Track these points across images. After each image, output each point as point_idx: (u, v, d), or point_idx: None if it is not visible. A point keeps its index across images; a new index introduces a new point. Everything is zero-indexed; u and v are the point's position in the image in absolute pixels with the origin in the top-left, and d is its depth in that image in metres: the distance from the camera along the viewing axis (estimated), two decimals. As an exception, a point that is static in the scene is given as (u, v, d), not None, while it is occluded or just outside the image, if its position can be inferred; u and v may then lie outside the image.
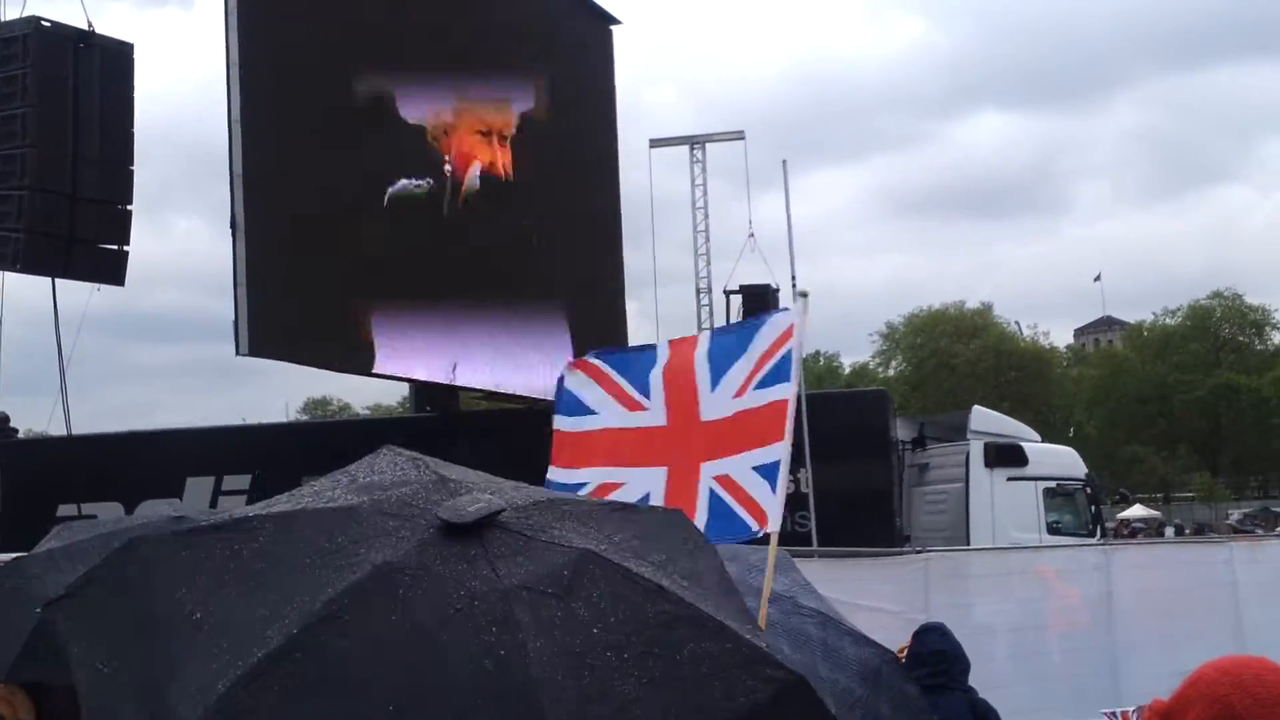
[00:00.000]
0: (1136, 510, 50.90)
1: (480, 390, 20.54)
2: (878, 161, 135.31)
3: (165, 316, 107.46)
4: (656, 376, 5.02)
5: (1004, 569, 13.66)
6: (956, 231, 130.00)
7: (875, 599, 11.06)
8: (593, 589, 2.12)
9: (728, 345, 5.02)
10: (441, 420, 19.16)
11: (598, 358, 5.22)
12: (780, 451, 4.76)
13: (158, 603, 2.11)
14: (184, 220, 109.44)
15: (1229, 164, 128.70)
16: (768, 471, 4.78)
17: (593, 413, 5.06)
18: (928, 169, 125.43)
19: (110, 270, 15.37)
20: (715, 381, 4.93)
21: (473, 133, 19.34)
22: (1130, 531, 44.14)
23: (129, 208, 15.26)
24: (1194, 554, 17.35)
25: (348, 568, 2.08)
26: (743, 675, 2.09)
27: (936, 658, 6.01)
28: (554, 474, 5.01)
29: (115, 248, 15.26)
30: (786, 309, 5.08)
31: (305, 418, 72.56)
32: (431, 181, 18.37)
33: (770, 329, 4.95)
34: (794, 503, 17.23)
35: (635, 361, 5.14)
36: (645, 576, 2.19)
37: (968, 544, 17.55)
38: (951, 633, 6.30)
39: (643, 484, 4.87)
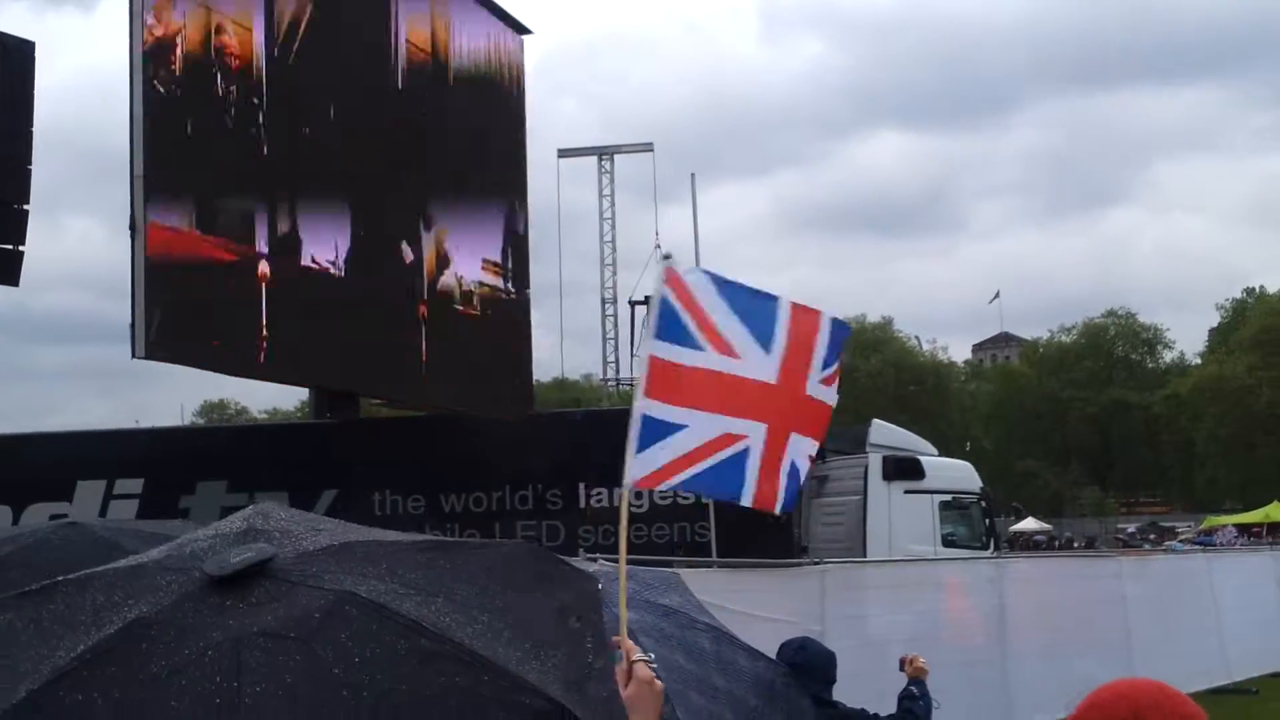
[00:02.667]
0: (1029, 524, 51.89)
1: (381, 398, 20.34)
2: (779, 178, 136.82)
3: (59, 318, 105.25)
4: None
5: (899, 581, 13.85)
6: (856, 248, 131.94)
7: (773, 609, 11.15)
8: (343, 629, 2.14)
9: (754, 309, 4.61)
10: (340, 426, 18.93)
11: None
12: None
13: None
14: (78, 221, 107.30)
15: (1122, 186, 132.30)
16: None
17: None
18: (828, 186, 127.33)
19: (5, 271, 14.95)
20: (764, 345, 4.57)
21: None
22: (1032, 545, 44.92)
23: (25, 207, 14.91)
24: (1084, 568, 17.77)
25: (107, 624, 2.16)
26: (496, 707, 2.11)
27: (792, 671, 6.03)
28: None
29: (10, 248, 14.88)
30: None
31: (201, 421, 71.42)
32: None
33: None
34: (694, 513, 17.34)
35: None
36: (403, 614, 2.20)
37: (864, 556, 17.74)
38: (813, 646, 6.36)
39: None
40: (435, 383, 19.02)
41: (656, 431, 4.17)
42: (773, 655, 5.81)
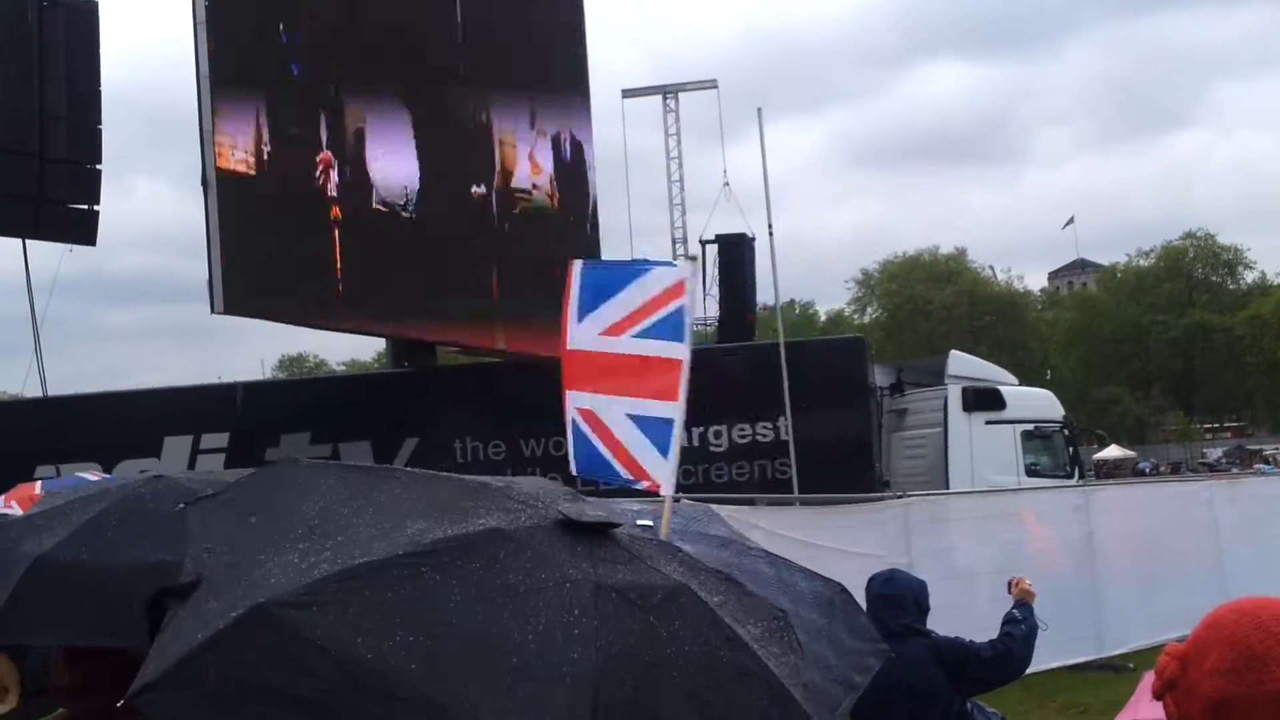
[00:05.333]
0: (1112, 451, 51.28)
1: (457, 345, 20.44)
2: (836, 113, 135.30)
3: (134, 278, 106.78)
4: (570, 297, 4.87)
5: (983, 512, 13.73)
6: (919, 180, 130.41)
7: (858, 544, 11.12)
8: (678, 617, 2.31)
9: (600, 282, 4.82)
10: (418, 375, 19.05)
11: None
12: (674, 411, 4.66)
13: (280, 510, 2.39)
14: (146, 183, 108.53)
15: (1186, 108, 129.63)
16: (653, 428, 4.65)
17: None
18: (885, 119, 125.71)
19: (81, 230, 15.21)
20: (583, 314, 4.78)
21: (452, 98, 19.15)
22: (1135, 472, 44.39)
23: (98, 167, 15.09)
24: (1174, 493, 17.49)
25: (463, 522, 2.34)
26: None
27: (880, 603, 5.95)
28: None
29: (85, 207, 15.11)
30: (674, 264, 4.88)
31: (281, 375, 72.33)
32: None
33: (656, 279, 4.79)
34: (774, 450, 17.29)
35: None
36: (729, 625, 2.37)
37: (946, 488, 17.62)
38: (901, 576, 6.31)
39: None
40: (508, 325, 19.08)
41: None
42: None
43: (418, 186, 17.68)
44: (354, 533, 2.29)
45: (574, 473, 4.61)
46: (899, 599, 6.02)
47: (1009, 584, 6.69)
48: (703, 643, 2.29)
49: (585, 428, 4.69)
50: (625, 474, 4.59)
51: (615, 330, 4.73)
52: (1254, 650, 2.23)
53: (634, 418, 4.65)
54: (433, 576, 2.20)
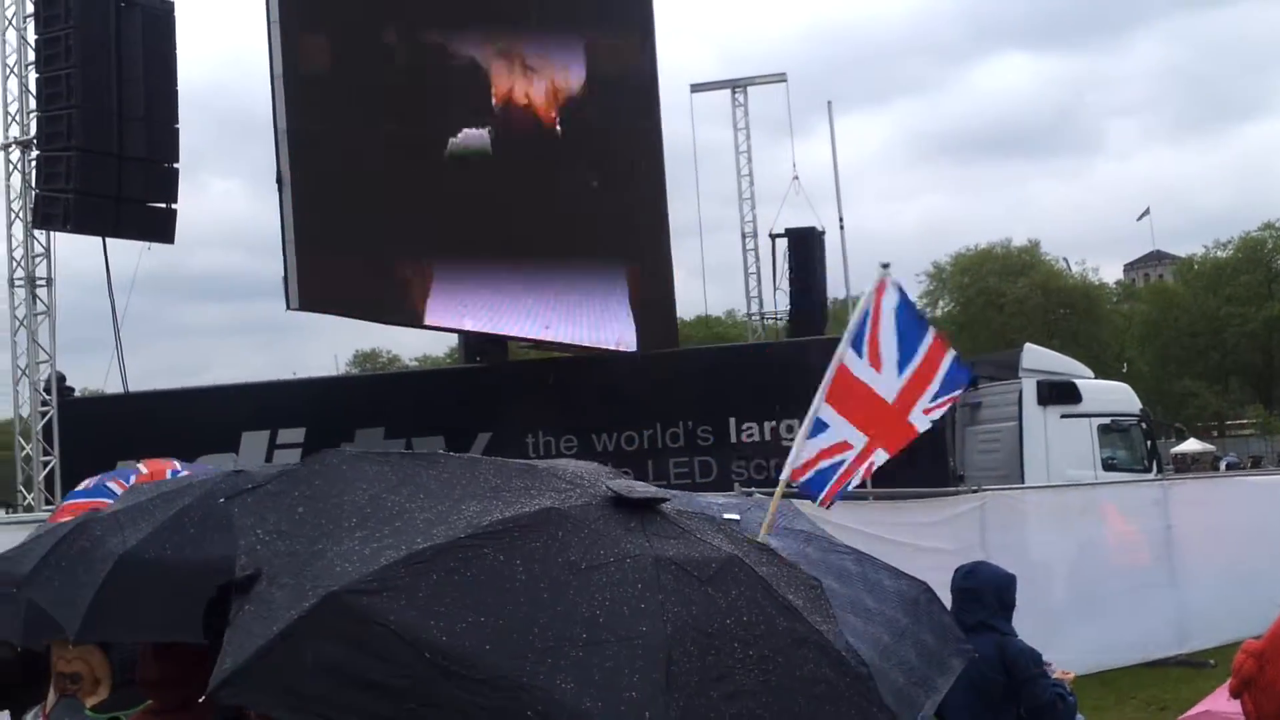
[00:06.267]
0: (1191, 445, 50.46)
1: (529, 340, 20.54)
2: (904, 106, 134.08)
3: (209, 276, 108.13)
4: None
5: (1061, 507, 13.56)
6: (987, 172, 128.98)
7: (933, 539, 11.03)
8: (733, 587, 2.39)
9: (905, 329, 4.75)
10: (491, 370, 19.17)
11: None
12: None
13: (328, 500, 2.42)
14: (220, 182, 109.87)
15: (1257, 98, 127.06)
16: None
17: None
18: (954, 112, 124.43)
19: (160, 228, 15.43)
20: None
21: (521, 82, 19.21)
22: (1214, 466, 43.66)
23: (175, 166, 15.30)
24: (1255, 487, 17.17)
25: (517, 503, 2.40)
26: (853, 710, 2.34)
27: (962, 595, 5.93)
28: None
29: (164, 206, 15.32)
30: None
31: (355, 370, 72.99)
32: (481, 133, 18.30)
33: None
34: (847, 445, 17.18)
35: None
36: (782, 594, 2.46)
37: (1022, 482, 17.44)
38: (985, 570, 6.18)
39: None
40: (579, 322, 19.14)
41: (817, 429, 4.47)
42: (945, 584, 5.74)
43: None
44: (410, 518, 2.33)
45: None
46: (979, 592, 5.96)
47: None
48: (759, 611, 2.36)
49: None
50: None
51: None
52: None
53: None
54: (496, 557, 2.24)
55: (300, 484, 2.52)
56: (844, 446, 4.54)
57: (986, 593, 5.98)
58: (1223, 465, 47.10)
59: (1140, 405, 20.09)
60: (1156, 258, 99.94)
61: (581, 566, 2.27)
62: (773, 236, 27.51)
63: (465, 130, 18.12)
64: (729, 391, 18.07)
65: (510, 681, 2.09)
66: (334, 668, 2.11)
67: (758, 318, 28.40)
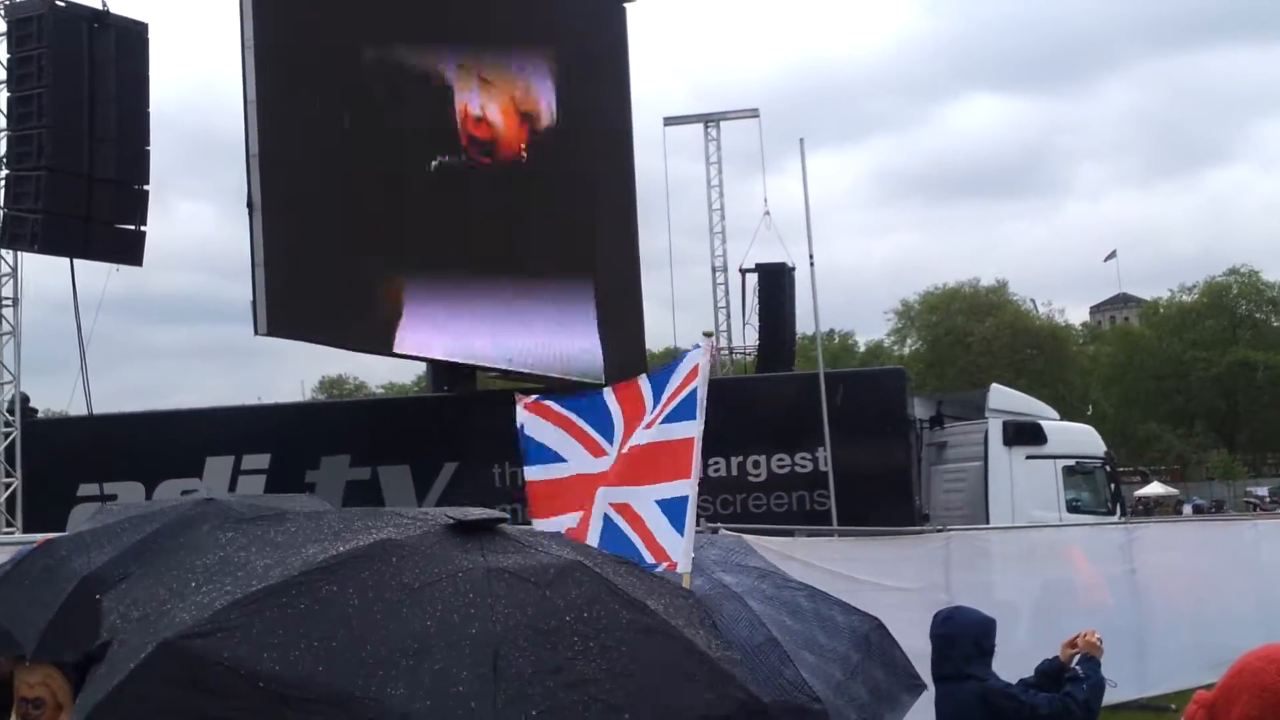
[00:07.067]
0: (1154, 488, 50.81)
1: (497, 369, 20.52)
2: (875, 145, 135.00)
3: (176, 298, 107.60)
4: (618, 422, 4.99)
5: (1025, 548, 13.62)
6: (957, 212, 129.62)
7: (897, 578, 11.02)
8: (574, 589, 2.49)
9: (658, 385, 4.99)
10: (458, 400, 19.13)
11: (554, 401, 5.13)
12: (687, 489, 4.73)
13: (184, 567, 2.53)
14: (188, 204, 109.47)
15: (1225, 144, 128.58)
16: (672, 508, 4.73)
17: (563, 460, 5.00)
18: (925, 151, 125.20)
19: (128, 250, 15.33)
20: (650, 410, 4.94)
21: (491, 106, 19.27)
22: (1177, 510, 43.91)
23: (145, 188, 15.22)
24: (1218, 532, 17.27)
25: (354, 540, 2.52)
26: (704, 689, 2.42)
27: (938, 643, 5.89)
28: (540, 524, 4.88)
29: (132, 228, 15.23)
30: (698, 346, 5.00)
31: (321, 397, 72.71)
32: (451, 157, 18.34)
33: (683, 367, 4.96)
34: (813, 481, 17.23)
35: (592, 405, 5.08)
36: (628, 592, 2.55)
37: (986, 522, 17.52)
38: (961, 615, 6.08)
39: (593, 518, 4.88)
40: (547, 351, 19.14)
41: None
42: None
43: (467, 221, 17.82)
44: (251, 568, 2.44)
45: None
46: (956, 639, 5.88)
47: (1076, 639, 6.19)
48: (601, 607, 2.46)
49: (620, 521, 4.76)
50: (650, 559, 4.65)
51: (651, 424, 4.87)
52: None
53: (660, 503, 4.74)
54: (329, 588, 2.36)
55: (160, 560, 2.69)
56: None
57: (964, 639, 5.89)
58: (1187, 509, 47.46)
59: (1105, 448, 20.22)
60: (1123, 300, 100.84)
61: (415, 586, 2.39)
62: (743, 271, 27.68)
63: (438, 156, 18.15)
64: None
65: (344, 697, 2.22)
66: (172, 709, 2.25)
67: (726, 352, 28.48)
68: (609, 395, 5.10)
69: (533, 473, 5.06)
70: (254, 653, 2.23)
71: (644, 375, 5.09)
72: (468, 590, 2.40)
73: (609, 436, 5.00)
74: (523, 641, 2.34)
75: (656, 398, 4.94)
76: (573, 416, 5.06)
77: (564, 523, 4.88)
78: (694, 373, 4.93)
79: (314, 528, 2.61)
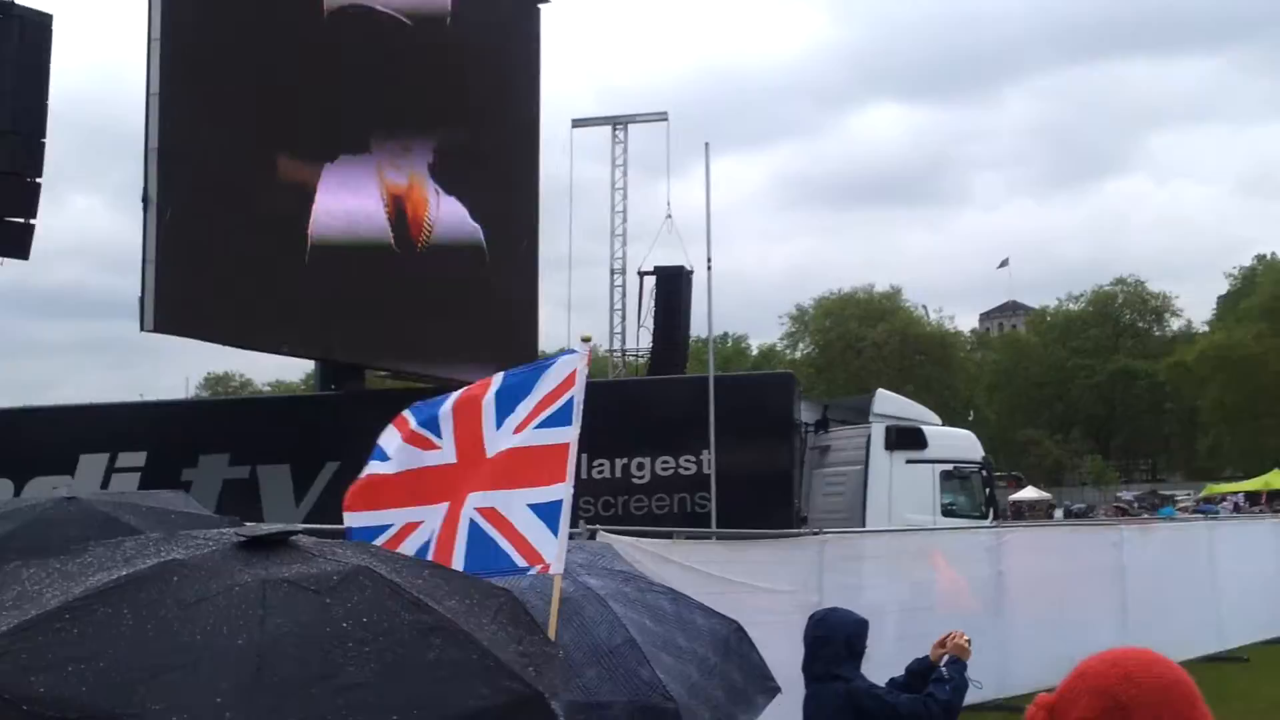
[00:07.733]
0: (1028, 492, 51.86)
1: (387, 369, 20.43)
2: (781, 150, 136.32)
3: (63, 292, 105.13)
4: (445, 414, 5.05)
5: (897, 550, 13.85)
6: (857, 218, 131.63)
7: (771, 580, 11.17)
8: (355, 594, 2.57)
9: (516, 385, 5.05)
10: (344, 398, 18.98)
11: (408, 410, 5.19)
12: (562, 492, 4.82)
13: None
14: (81, 197, 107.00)
15: (1121, 156, 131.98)
16: (546, 511, 4.80)
17: (388, 459, 5.04)
18: (829, 158, 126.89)
19: (15, 244, 14.94)
20: (500, 420, 4.98)
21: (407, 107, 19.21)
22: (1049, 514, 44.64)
23: (38, 181, 14.90)
24: (1084, 537, 17.76)
25: (139, 562, 2.60)
26: (479, 683, 2.50)
27: (812, 643, 6.00)
28: (351, 519, 4.97)
29: (21, 221, 14.88)
30: (574, 351, 5.09)
31: (205, 394, 71.48)
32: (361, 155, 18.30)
33: (557, 371, 5.00)
34: (695, 484, 17.35)
35: (427, 405, 5.16)
36: (411, 592, 2.63)
37: (863, 526, 17.77)
38: (835, 616, 6.19)
39: (431, 521, 4.92)
40: (439, 353, 19.12)
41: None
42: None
43: (356, 213, 17.73)
44: (38, 598, 2.52)
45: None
46: (827, 640, 5.97)
47: (945, 639, 6.27)
48: (380, 610, 2.54)
49: (486, 524, 4.82)
50: (522, 562, 4.71)
51: (522, 427, 4.92)
52: (1119, 700, 2.30)
53: (534, 506, 4.80)
54: (105, 611, 2.43)
55: None
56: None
57: (836, 640, 5.97)
58: (1059, 514, 48.52)
59: (983, 453, 20.59)
60: (1012, 308, 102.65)
61: (190, 602, 2.46)
62: (641, 274, 27.80)
63: (343, 155, 18.06)
64: (583, 427, 18.13)
65: (104, 715, 2.30)
66: None
67: (619, 354, 28.59)
68: (445, 401, 5.16)
69: (364, 471, 5.12)
70: (21, 677, 2.31)
71: (503, 373, 5.12)
72: (241, 603, 2.48)
73: (435, 429, 5.05)
74: (290, 649, 2.42)
75: (518, 396, 4.98)
76: (409, 418, 5.11)
77: (380, 518, 4.94)
78: (571, 379, 4.98)
79: (109, 556, 2.68)
